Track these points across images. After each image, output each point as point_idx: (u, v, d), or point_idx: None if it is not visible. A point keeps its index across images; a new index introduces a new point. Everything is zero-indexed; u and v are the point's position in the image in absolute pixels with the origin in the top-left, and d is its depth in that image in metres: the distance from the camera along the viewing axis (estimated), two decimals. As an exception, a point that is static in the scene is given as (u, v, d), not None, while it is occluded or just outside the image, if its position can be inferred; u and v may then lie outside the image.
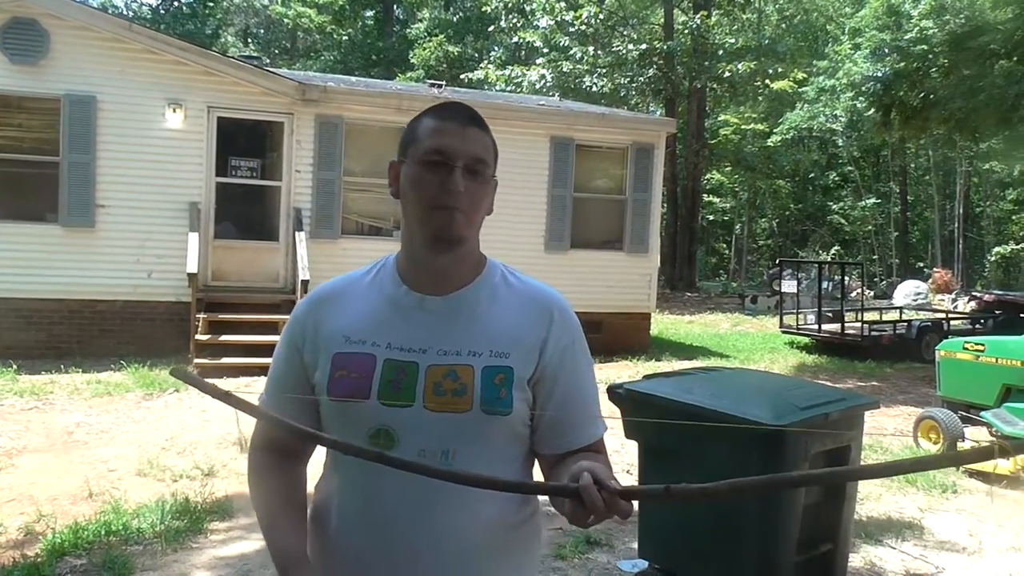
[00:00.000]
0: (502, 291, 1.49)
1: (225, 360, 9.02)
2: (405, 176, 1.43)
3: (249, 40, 40.69)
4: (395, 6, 40.31)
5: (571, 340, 1.50)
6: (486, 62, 29.09)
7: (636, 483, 3.84)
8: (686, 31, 24.99)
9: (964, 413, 6.95)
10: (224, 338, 9.25)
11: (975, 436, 6.78)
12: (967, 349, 7.26)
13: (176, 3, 36.99)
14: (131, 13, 36.06)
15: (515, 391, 1.41)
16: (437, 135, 1.40)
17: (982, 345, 7.23)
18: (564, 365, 1.47)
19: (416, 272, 1.46)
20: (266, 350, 8.86)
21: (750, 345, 14.02)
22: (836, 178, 38.33)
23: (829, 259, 30.02)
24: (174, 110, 9.94)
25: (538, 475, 1.56)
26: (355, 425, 1.41)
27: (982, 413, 6.66)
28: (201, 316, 9.32)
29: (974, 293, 20.75)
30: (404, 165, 1.44)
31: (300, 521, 1.50)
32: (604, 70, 24.43)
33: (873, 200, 35.74)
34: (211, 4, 37.27)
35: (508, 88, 23.90)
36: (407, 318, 1.44)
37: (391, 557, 1.41)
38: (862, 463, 4.25)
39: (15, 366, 8.63)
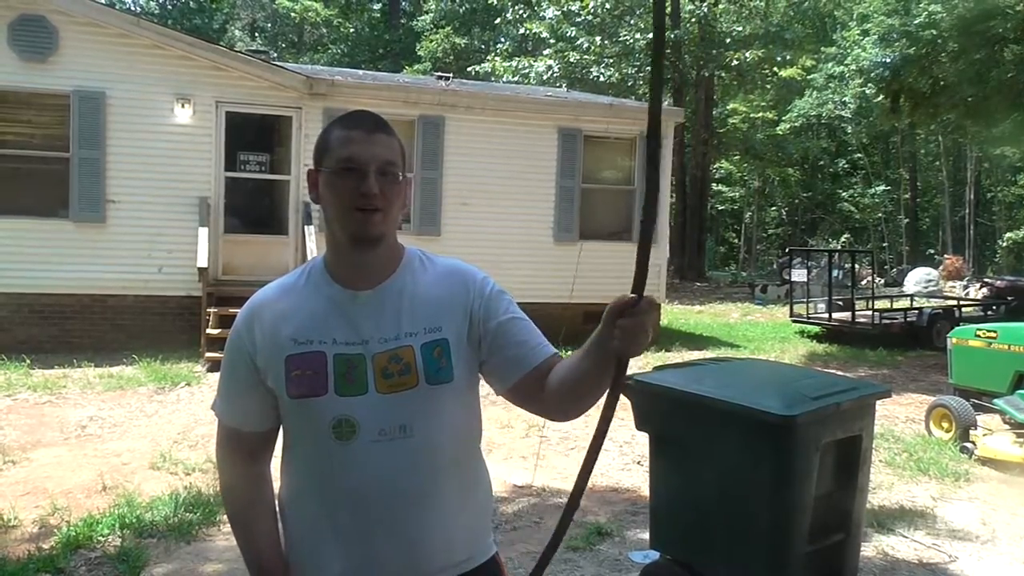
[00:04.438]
0: (421, 273, 1.62)
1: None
2: (323, 183, 1.55)
3: (256, 34, 40.68)
4: (401, -2, 40.23)
5: (490, 291, 1.63)
6: (493, 54, 29.00)
7: (647, 475, 3.84)
8: (693, 19, 24.86)
9: (976, 401, 6.91)
10: (235, 332, 9.27)
11: (988, 424, 6.75)
12: (979, 336, 7.22)
13: (183, -3, 37.02)
14: (139, 8, 36.07)
15: (454, 359, 1.56)
16: (348, 144, 1.52)
17: (994, 332, 7.19)
18: (491, 309, 1.60)
19: (345, 270, 1.58)
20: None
21: (760, 335, 13.99)
22: (845, 165, 38.15)
23: (839, 247, 29.90)
24: (183, 105, 9.95)
25: (497, 428, 1.68)
26: (316, 419, 1.53)
27: (995, 400, 6.62)
28: (211, 310, 9.36)
29: (986, 279, 20.64)
30: (321, 173, 1.55)
31: (270, 527, 1.65)
32: (611, 60, 24.36)
33: (883, 187, 35.55)
34: (218, -2, 37.31)
35: (515, 79, 23.83)
36: (345, 314, 1.56)
37: (372, 526, 1.53)
38: (873, 452, 4.25)
39: (28, 360, 8.69)
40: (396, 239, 1.63)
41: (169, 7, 37.49)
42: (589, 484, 1.54)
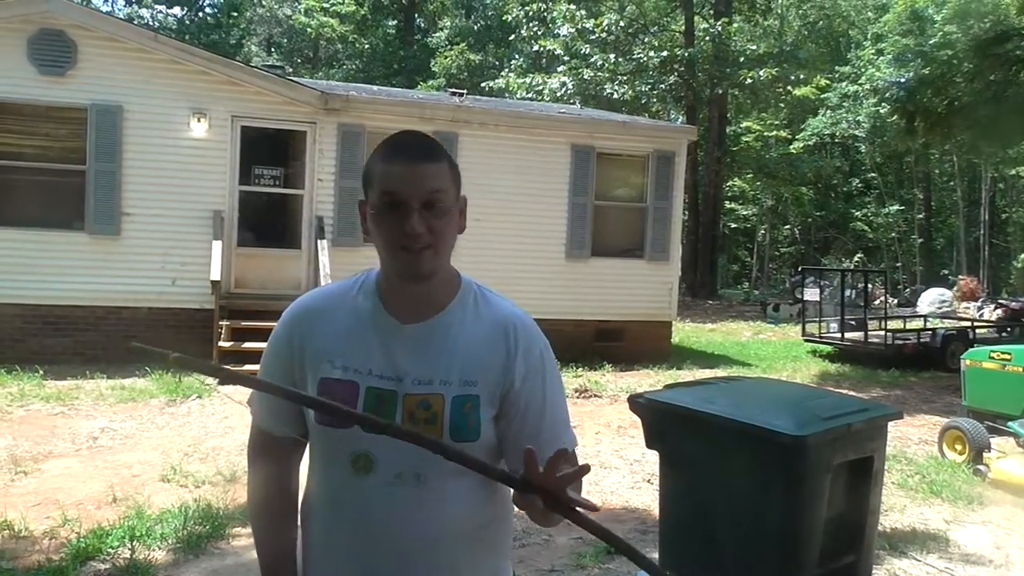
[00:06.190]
0: (472, 314, 1.54)
1: (247, 367, 9.06)
2: (369, 218, 1.47)
3: (272, 50, 41.06)
4: (416, 15, 40.53)
5: (535, 361, 1.54)
6: (507, 70, 29.17)
7: (657, 494, 3.83)
8: (707, 38, 24.95)
9: (990, 423, 6.86)
10: (247, 345, 9.31)
11: (1002, 446, 6.69)
12: (993, 358, 7.18)
13: (201, 14, 37.43)
14: (156, 24, 36.48)
15: (483, 417, 1.49)
16: (389, 178, 1.43)
17: (1008, 354, 7.15)
18: (527, 387, 1.52)
19: (394, 298, 1.52)
20: (288, 357, 8.91)
21: (772, 354, 13.93)
22: (859, 184, 38.06)
23: (852, 266, 29.78)
24: (198, 119, 10.04)
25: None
26: (338, 448, 1.50)
27: (1009, 423, 6.57)
28: (224, 323, 9.40)
29: (1000, 301, 20.51)
30: (367, 205, 1.48)
31: (284, 533, 1.62)
32: (625, 77, 24.44)
33: (896, 207, 35.44)
34: (235, 14, 37.67)
35: (529, 96, 23.95)
36: (387, 344, 1.50)
37: (372, 560, 1.50)
38: (886, 474, 4.21)
39: (42, 372, 8.74)
40: (450, 268, 1.54)
41: (187, 22, 37.88)
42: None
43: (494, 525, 1.59)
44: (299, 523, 1.64)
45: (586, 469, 1.32)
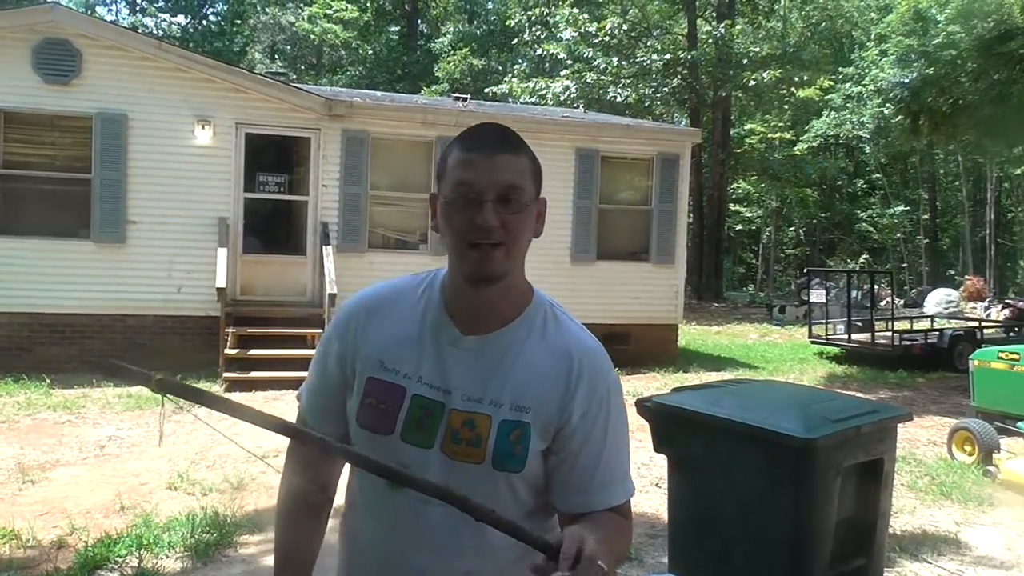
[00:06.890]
0: (538, 337, 1.43)
1: (254, 374, 9.10)
2: (440, 212, 1.37)
3: (276, 56, 41.14)
4: (419, 21, 40.62)
5: (599, 400, 1.43)
6: (510, 75, 29.19)
7: (666, 498, 3.81)
8: (710, 40, 24.95)
9: (999, 424, 6.83)
10: (253, 352, 9.32)
11: (1011, 447, 6.66)
12: (1002, 358, 7.15)
13: (204, 22, 37.55)
14: (161, 32, 36.63)
15: (531, 449, 1.39)
16: (463, 167, 1.34)
17: (1017, 354, 7.11)
18: (585, 426, 1.41)
19: (459, 304, 1.42)
20: (294, 363, 8.92)
21: (779, 356, 13.90)
22: (864, 185, 38.01)
23: (858, 268, 29.71)
24: (203, 127, 10.06)
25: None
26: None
27: (1018, 424, 6.54)
28: (230, 330, 9.41)
29: (1007, 300, 20.46)
30: (439, 199, 1.38)
31: (302, 539, 1.54)
32: (628, 81, 24.44)
33: (902, 207, 35.38)
34: (238, 22, 37.81)
35: (532, 100, 23.96)
36: (441, 352, 1.41)
37: None
38: (895, 476, 4.19)
39: (48, 380, 8.76)
40: (523, 278, 1.45)
41: (191, 30, 38.05)
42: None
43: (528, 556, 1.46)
44: (340, 522, 1.58)
45: None
